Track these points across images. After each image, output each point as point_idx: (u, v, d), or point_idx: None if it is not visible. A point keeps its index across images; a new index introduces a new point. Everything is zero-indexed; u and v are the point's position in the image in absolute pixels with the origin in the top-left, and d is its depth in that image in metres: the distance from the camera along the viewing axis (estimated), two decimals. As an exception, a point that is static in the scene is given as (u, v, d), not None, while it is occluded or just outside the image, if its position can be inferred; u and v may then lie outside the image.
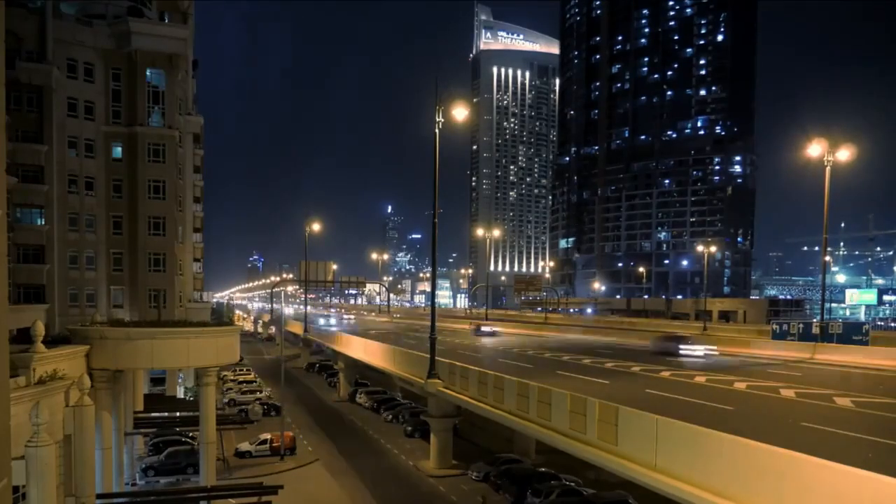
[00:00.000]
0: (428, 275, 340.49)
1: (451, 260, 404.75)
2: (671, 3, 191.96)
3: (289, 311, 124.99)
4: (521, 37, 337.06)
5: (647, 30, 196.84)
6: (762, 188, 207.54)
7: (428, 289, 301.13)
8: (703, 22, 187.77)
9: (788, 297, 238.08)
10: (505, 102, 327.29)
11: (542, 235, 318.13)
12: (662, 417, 18.95)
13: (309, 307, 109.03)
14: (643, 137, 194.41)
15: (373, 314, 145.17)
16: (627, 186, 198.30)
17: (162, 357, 29.63)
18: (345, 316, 71.29)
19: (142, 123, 49.08)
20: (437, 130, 35.65)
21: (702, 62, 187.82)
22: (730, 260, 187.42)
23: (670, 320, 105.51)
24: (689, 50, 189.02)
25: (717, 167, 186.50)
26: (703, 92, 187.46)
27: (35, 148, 44.80)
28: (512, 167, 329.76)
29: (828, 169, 43.66)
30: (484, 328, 74.25)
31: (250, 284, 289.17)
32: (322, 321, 69.40)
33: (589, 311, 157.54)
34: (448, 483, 38.57)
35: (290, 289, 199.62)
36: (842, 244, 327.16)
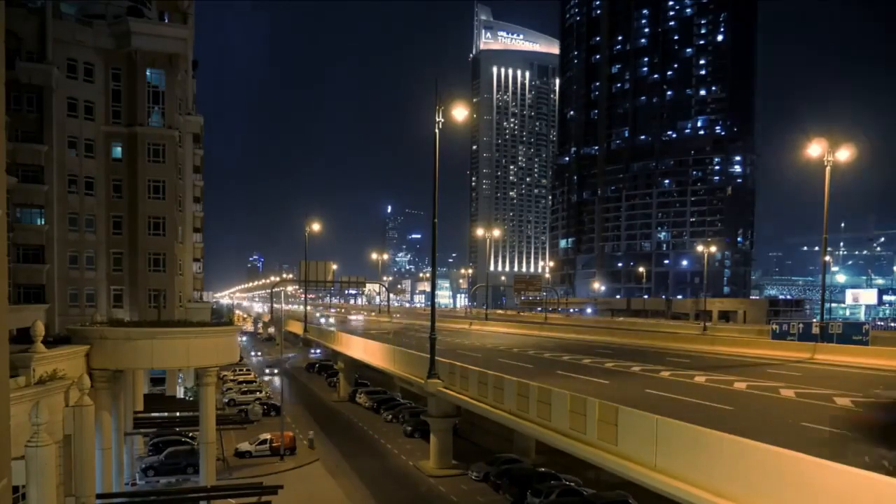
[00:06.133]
0: (428, 275, 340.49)
1: (450, 260, 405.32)
2: (671, 3, 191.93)
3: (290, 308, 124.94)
4: (521, 37, 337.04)
5: (646, 30, 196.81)
6: (762, 188, 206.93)
7: (428, 289, 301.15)
8: (702, 22, 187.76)
9: (788, 297, 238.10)
10: (505, 102, 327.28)
11: (542, 235, 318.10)
12: (662, 417, 18.95)
13: (309, 307, 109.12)
14: (643, 137, 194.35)
15: (373, 314, 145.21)
16: (627, 186, 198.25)
17: (162, 357, 29.65)
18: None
19: (142, 123, 49.07)
20: (437, 131, 35.65)
21: (702, 62, 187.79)
22: (730, 260, 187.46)
23: (670, 320, 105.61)
24: (688, 50, 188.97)
25: (717, 167, 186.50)
26: (703, 92, 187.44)
27: (35, 148, 44.79)
28: (512, 167, 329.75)
29: (828, 169, 43.66)
30: None
31: (250, 284, 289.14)
32: None
33: (589, 311, 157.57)
34: (448, 483, 38.57)
35: (290, 289, 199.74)
36: (842, 244, 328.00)
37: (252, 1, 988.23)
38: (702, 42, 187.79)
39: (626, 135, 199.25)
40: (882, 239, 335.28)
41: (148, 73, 49.47)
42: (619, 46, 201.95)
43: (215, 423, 33.41)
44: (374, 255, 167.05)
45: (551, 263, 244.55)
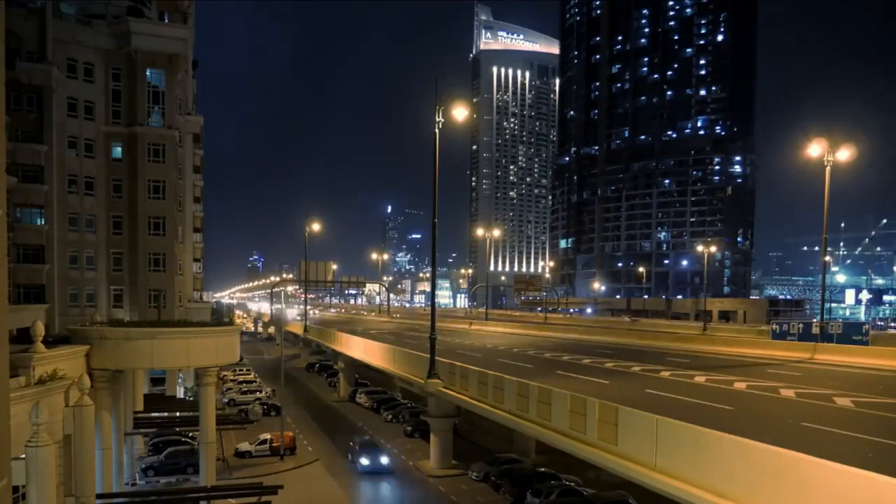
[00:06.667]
0: (428, 275, 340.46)
1: (451, 260, 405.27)
2: (671, 3, 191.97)
3: (292, 312, 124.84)
4: (521, 37, 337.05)
5: (647, 30, 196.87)
6: (762, 188, 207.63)
7: (428, 289, 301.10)
8: (702, 22, 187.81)
9: (788, 297, 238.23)
10: (505, 102, 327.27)
11: (542, 235, 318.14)
12: (662, 417, 18.94)
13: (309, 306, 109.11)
14: (643, 137, 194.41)
15: (373, 314, 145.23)
16: (627, 186, 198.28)
17: (162, 357, 29.62)
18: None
19: (142, 123, 49.07)
20: (437, 131, 35.63)
21: (702, 62, 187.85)
22: (730, 260, 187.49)
23: (670, 320, 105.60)
24: (688, 50, 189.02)
25: (717, 167, 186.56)
26: (703, 92, 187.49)
27: (35, 148, 44.79)
28: (512, 167, 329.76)
29: (828, 169, 43.65)
30: None
31: (250, 284, 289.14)
32: None
33: (589, 311, 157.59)
34: (448, 483, 38.57)
35: (290, 289, 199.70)
36: (842, 244, 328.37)
37: (252, 1, 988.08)
38: (702, 42, 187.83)
39: (626, 135, 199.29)
40: (872, 233, 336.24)
41: (148, 73, 49.46)
42: (619, 46, 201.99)
43: (215, 423, 33.40)
44: (374, 255, 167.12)
45: (551, 263, 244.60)
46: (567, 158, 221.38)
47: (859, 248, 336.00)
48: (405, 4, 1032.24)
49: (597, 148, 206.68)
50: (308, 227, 78.17)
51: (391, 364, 46.96)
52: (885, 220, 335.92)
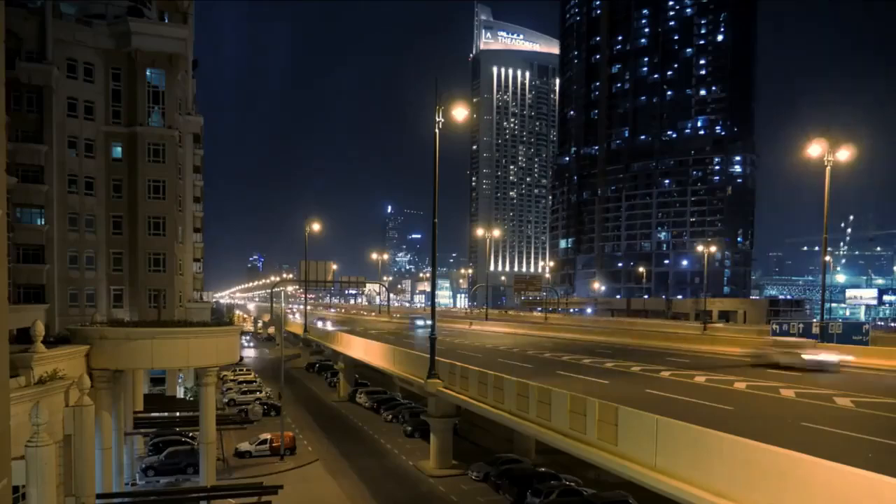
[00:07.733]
0: (428, 275, 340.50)
1: (451, 260, 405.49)
2: (671, 3, 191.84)
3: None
4: (521, 37, 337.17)
5: (647, 30, 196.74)
6: (762, 188, 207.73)
7: (428, 289, 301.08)
8: (703, 22, 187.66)
9: (788, 297, 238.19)
10: (505, 102, 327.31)
11: (542, 235, 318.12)
12: (662, 417, 18.94)
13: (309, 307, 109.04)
14: (643, 137, 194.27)
15: (373, 314, 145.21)
16: (627, 186, 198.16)
17: (162, 357, 29.64)
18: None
19: (142, 123, 49.09)
20: (437, 130, 35.63)
21: (702, 62, 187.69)
22: (730, 260, 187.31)
23: (670, 320, 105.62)
24: (689, 50, 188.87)
25: (717, 167, 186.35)
26: (703, 92, 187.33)
27: (35, 148, 44.81)
28: (512, 167, 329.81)
29: (828, 169, 43.62)
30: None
31: (250, 284, 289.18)
32: None
33: (589, 311, 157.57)
34: (448, 483, 38.57)
35: (290, 289, 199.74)
36: (842, 244, 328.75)
37: (252, 1, 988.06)
38: (702, 42, 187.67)
39: (626, 135, 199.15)
40: (849, 230, 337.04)
41: (148, 73, 49.48)
42: (619, 46, 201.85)
43: (215, 423, 33.41)
44: (374, 255, 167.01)
45: (551, 263, 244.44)
46: (567, 158, 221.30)
47: (844, 245, 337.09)
48: (405, 4, 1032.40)
49: (597, 148, 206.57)
50: (308, 227, 78.12)
51: (391, 364, 46.96)
52: (852, 217, 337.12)
